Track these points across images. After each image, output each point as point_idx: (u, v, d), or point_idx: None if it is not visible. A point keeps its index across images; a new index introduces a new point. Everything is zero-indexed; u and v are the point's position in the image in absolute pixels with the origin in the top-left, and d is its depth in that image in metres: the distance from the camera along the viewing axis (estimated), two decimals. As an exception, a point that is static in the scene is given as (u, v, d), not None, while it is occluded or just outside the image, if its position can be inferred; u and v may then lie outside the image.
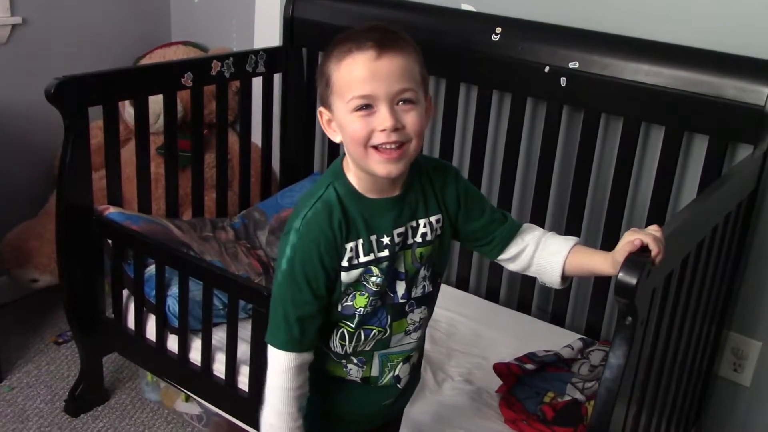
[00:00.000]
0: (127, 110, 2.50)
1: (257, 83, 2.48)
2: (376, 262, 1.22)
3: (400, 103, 1.14)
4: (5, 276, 2.55)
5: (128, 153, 2.29)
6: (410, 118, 1.14)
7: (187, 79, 2.22)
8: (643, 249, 1.17)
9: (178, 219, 2.30)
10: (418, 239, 1.26)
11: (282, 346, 1.22)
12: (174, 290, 1.97)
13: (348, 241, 1.20)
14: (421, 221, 1.26)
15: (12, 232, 2.51)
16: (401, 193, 1.24)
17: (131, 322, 2.10)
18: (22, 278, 2.49)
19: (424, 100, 1.18)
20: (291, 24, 2.48)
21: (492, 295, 2.28)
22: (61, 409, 2.25)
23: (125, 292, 2.11)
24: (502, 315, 2.20)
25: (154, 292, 1.98)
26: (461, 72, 2.20)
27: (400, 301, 1.27)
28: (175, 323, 1.97)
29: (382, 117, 1.12)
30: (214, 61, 2.30)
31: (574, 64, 1.99)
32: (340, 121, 1.17)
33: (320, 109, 1.22)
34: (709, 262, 1.57)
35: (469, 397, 1.81)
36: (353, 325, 1.26)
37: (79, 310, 2.11)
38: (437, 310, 2.12)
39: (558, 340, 2.00)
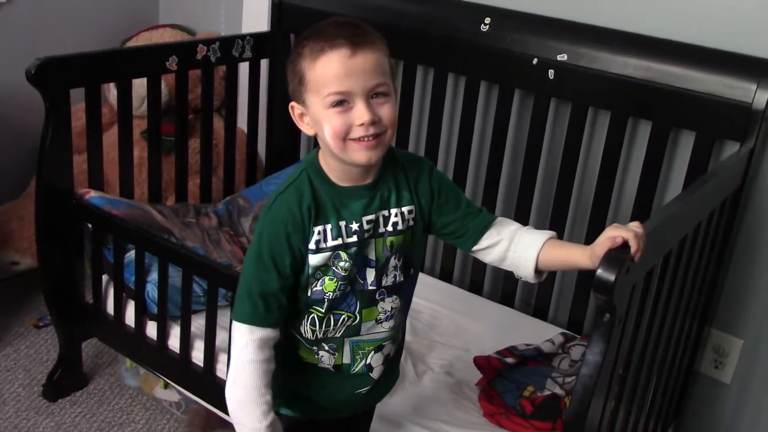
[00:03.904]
0: (113, 93, 2.47)
1: (244, 69, 2.45)
2: (344, 247, 1.26)
3: (375, 96, 1.19)
4: (-15, 258, 2.52)
5: (114, 136, 2.25)
6: (385, 110, 1.20)
7: (172, 63, 2.19)
8: (624, 245, 1.16)
9: (160, 204, 2.27)
10: (389, 228, 1.30)
11: (244, 319, 1.26)
12: (154, 276, 1.94)
13: (316, 225, 1.25)
14: (393, 210, 1.30)
15: (-8, 213, 2.48)
16: (372, 182, 1.28)
17: (110, 308, 2.07)
18: (2, 261, 2.46)
19: (393, 91, 1.22)
20: (279, 9, 2.46)
21: (475, 288, 2.27)
22: (39, 394, 2.23)
23: (105, 278, 2.09)
24: (485, 307, 2.19)
25: (133, 278, 1.96)
26: (449, 62, 2.18)
27: (370, 288, 1.30)
28: (155, 310, 1.95)
29: (360, 112, 1.17)
30: (200, 45, 2.27)
31: (562, 57, 1.97)
32: (315, 117, 1.21)
33: (292, 104, 1.26)
34: (691, 259, 1.56)
35: (448, 390, 1.81)
36: (323, 310, 1.29)
37: (57, 295, 2.09)
38: (420, 301, 2.13)
39: (540, 333, 1.99)
